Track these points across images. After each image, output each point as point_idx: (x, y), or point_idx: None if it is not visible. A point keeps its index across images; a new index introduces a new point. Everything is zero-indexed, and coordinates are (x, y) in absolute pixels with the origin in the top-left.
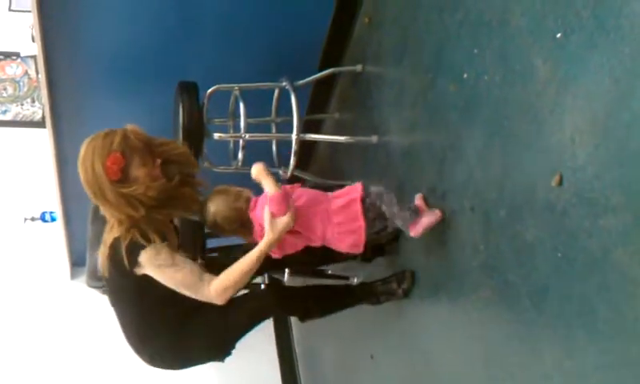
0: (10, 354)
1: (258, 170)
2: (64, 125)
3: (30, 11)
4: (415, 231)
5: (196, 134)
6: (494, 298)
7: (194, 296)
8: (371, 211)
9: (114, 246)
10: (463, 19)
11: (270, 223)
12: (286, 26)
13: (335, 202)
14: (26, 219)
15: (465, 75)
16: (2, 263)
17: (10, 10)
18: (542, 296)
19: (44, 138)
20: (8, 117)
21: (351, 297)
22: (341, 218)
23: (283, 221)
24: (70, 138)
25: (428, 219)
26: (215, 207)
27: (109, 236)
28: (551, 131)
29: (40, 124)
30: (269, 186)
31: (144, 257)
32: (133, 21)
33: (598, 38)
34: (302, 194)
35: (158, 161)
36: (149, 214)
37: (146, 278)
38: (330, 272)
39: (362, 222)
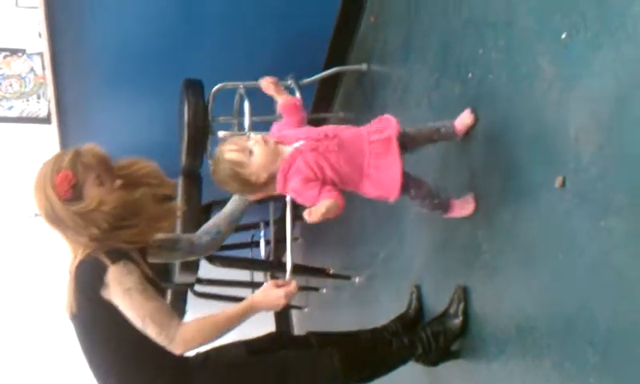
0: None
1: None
2: (70, 121)
3: (36, 8)
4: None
5: (201, 131)
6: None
7: (155, 334)
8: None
9: (79, 270)
10: (468, 19)
11: (263, 291)
12: (292, 24)
13: (372, 136)
14: (34, 215)
15: (469, 75)
16: (11, 258)
17: (17, 5)
18: (542, 298)
19: (49, 134)
20: (14, 113)
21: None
22: (379, 158)
23: (279, 294)
24: (76, 134)
25: (461, 210)
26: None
27: (72, 264)
28: (555, 131)
29: (45, 120)
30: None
31: (111, 274)
32: (138, 18)
33: (602, 39)
34: (344, 141)
35: (118, 182)
36: (113, 233)
37: (115, 310)
38: (331, 271)
39: (398, 161)
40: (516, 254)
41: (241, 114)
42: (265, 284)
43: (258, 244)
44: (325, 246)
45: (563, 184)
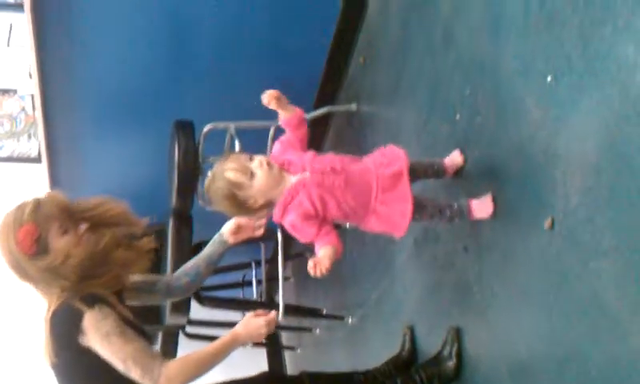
0: None
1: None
2: (60, 160)
3: (27, 47)
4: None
5: (191, 173)
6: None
7: (139, 377)
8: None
9: (54, 319)
10: (455, 61)
11: (243, 322)
12: (282, 65)
13: (380, 171)
14: None
15: (457, 116)
16: (3, 299)
17: (8, 45)
18: (534, 339)
19: (40, 174)
20: (4, 153)
21: None
22: (387, 193)
23: (259, 323)
24: (66, 174)
25: (480, 211)
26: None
27: (47, 314)
28: (544, 173)
29: (36, 160)
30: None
31: (87, 321)
32: (129, 60)
33: (587, 81)
34: (353, 171)
35: (83, 226)
36: (84, 283)
37: (96, 356)
38: (324, 312)
39: (409, 196)
40: (507, 294)
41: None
42: (245, 316)
43: (249, 284)
44: (317, 285)
45: (552, 225)
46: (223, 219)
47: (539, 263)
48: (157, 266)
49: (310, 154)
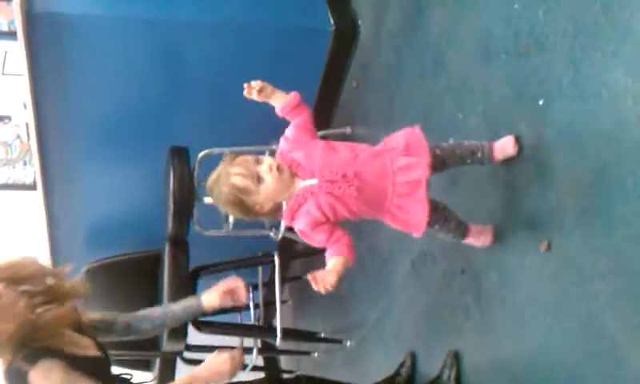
0: None
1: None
2: (55, 187)
3: (22, 75)
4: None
5: (186, 198)
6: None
7: None
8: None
9: (6, 379)
10: (447, 85)
11: (206, 360)
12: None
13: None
14: None
15: (451, 140)
16: None
17: (3, 74)
18: (533, 362)
19: (35, 201)
20: None
21: None
22: (403, 198)
23: (222, 359)
24: (62, 201)
25: (478, 240)
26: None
27: (2, 370)
28: (539, 195)
29: (31, 187)
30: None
31: (33, 379)
32: (123, 86)
33: (578, 105)
34: (366, 166)
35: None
36: (25, 345)
37: None
38: (322, 335)
39: (426, 206)
40: (505, 317)
41: None
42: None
43: (247, 308)
44: (315, 307)
45: (548, 248)
46: (219, 245)
47: (536, 286)
48: (154, 293)
49: (320, 152)
